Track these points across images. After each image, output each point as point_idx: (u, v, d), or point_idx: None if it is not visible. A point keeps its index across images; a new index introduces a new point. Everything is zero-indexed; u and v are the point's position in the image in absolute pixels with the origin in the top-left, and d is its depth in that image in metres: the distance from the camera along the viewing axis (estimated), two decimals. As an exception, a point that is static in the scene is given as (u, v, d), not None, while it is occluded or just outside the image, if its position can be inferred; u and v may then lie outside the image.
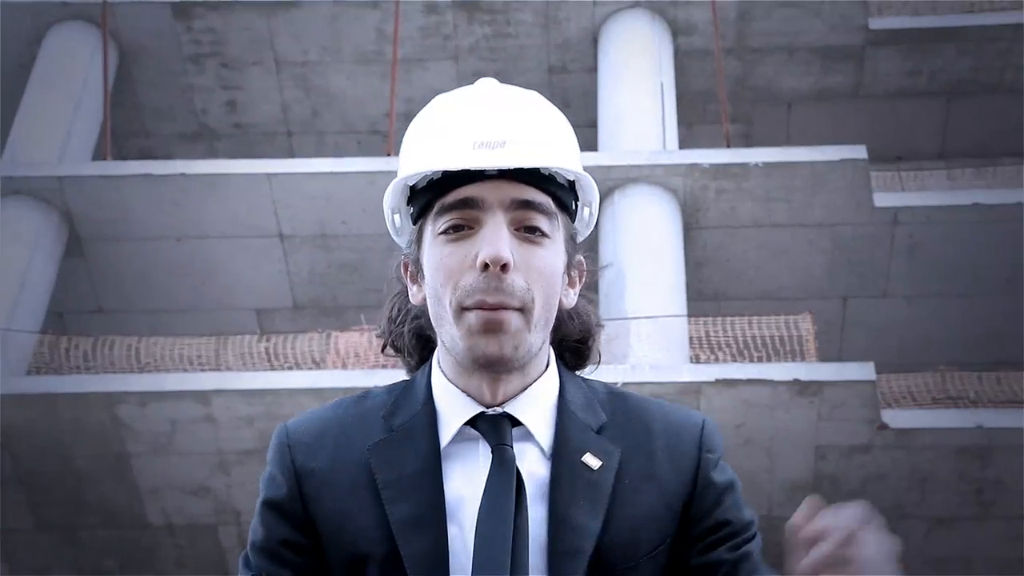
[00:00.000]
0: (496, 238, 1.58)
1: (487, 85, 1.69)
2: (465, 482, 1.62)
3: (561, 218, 1.66)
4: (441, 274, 1.61)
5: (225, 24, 14.62)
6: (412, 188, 1.67)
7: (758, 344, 12.02)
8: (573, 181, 1.68)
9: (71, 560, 12.11)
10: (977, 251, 12.83)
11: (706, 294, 13.21)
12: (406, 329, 1.76)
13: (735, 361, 11.85)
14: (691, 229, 12.66)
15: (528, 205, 1.61)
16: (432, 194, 1.64)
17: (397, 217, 1.71)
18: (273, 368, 12.05)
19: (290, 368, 11.97)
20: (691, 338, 11.91)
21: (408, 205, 1.69)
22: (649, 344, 11.22)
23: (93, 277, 13.44)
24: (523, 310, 1.59)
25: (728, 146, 13.42)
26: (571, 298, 1.71)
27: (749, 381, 10.62)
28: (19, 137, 13.62)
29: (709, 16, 14.17)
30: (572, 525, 1.59)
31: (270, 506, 1.68)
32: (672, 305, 11.64)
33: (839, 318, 13.47)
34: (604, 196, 12.23)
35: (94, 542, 11.99)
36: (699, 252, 12.89)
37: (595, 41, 14.26)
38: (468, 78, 14.39)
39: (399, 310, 1.77)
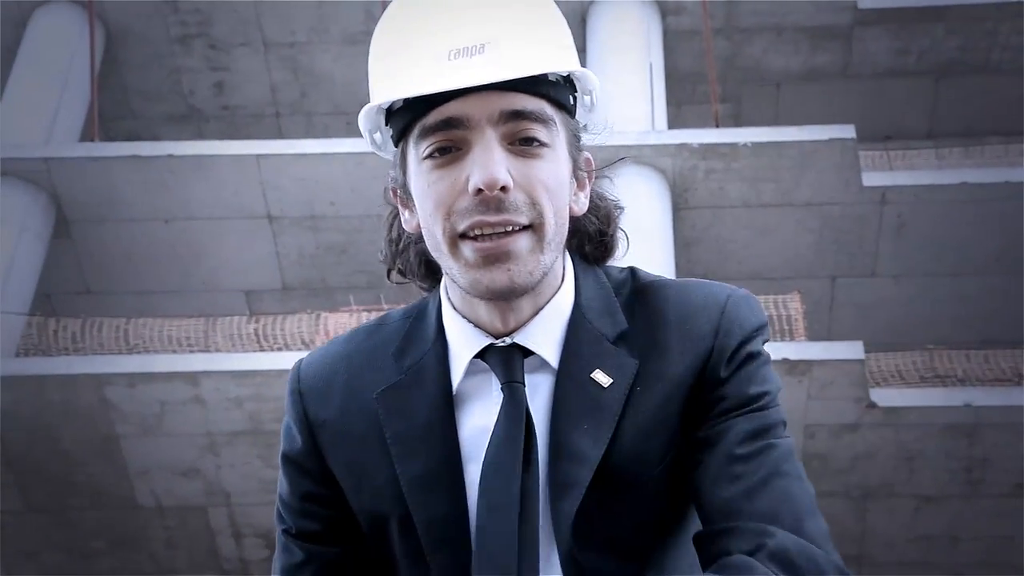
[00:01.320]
0: (488, 159, 1.40)
1: None
2: (481, 423, 1.48)
3: (560, 119, 1.48)
4: (430, 202, 1.45)
5: (212, 5, 14.56)
6: (388, 108, 1.49)
7: (747, 324, 12.02)
8: (568, 74, 1.49)
9: (61, 542, 12.11)
10: (965, 230, 12.85)
11: (695, 274, 13.22)
12: (411, 254, 1.59)
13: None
14: (680, 209, 12.67)
15: (520, 115, 1.43)
16: (410, 115, 1.45)
17: (378, 136, 1.52)
18: (262, 349, 12.04)
19: (279, 349, 11.97)
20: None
21: (387, 125, 1.50)
22: (638, 324, 11.22)
23: (81, 259, 13.41)
24: (532, 227, 1.43)
25: (717, 126, 13.42)
26: (582, 203, 1.54)
27: (738, 361, 10.63)
28: (6, 119, 13.56)
29: (698, -4, 14.16)
30: (570, 454, 1.44)
31: (289, 459, 1.57)
32: (661, 285, 11.64)
33: (828, 297, 13.50)
34: (593, 176, 12.22)
35: (84, 523, 11.99)
36: (688, 232, 12.90)
37: (583, 21, 14.23)
38: (456, 58, 14.36)
39: (399, 233, 1.60)
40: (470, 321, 1.51)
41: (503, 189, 1.40)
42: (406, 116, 1.45)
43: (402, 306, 1.64)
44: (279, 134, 15.41)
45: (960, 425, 11.20)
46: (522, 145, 1.43)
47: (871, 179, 12.72)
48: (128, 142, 14.05)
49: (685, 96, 15.02)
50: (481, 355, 1.50)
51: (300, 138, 14.47)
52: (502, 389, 1.48)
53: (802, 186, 12.63)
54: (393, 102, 1.47)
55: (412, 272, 1.61)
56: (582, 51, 14.21)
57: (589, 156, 1.56)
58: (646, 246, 11.90)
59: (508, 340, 1.49)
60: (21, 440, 11.41)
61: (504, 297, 1.46)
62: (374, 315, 12.11)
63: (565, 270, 1.54)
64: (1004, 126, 14.81)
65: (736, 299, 1.52)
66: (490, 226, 1.41)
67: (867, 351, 11.30)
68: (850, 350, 10.95)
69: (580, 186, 1.54)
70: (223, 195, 12.94)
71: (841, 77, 14.93)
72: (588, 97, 1.52)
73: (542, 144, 1.44)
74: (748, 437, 1.44)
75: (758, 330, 1.52)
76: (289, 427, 1.57)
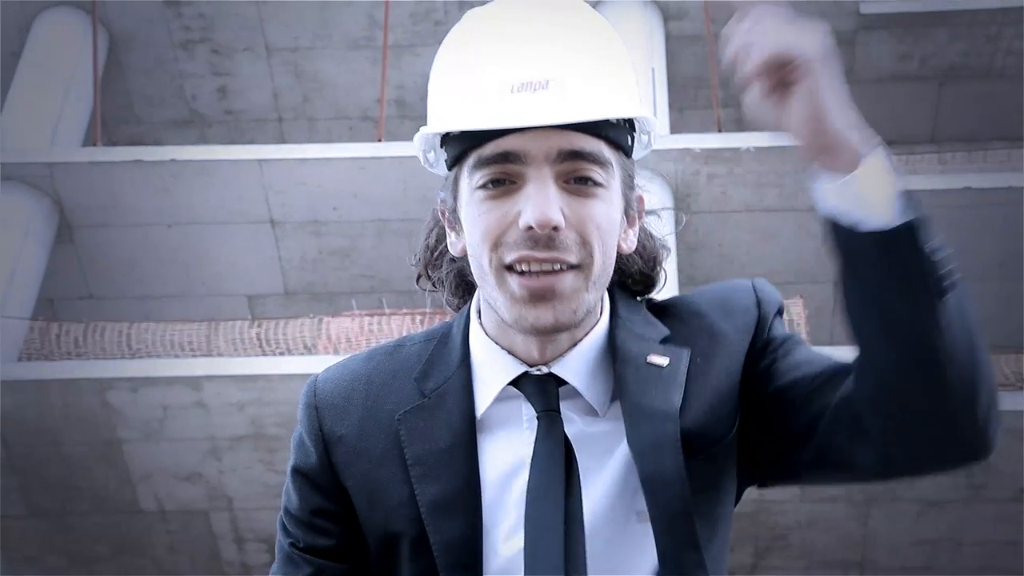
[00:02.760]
0: (542, 197, 1.39)
1: (527, 0, 1.46)
2: (505, 452, 1.48)
3: (616, 159, 1.47)
4: (479, 231, 1.44)
5: (215, 10, 14.58)
6: (444, 134, 1.47)
7: (750, 329, 12.03)
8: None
9: (63, 546, 12.11)
10: (968, 235, 12.84)
11: (698, 279, 13.22)
12: (445, 268, 1.58)
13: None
14: (682, 214, 12.67)
15: (578, 155, 1.42)
16: (468, 143, 1.44)
17: (431, 155, 1.51)
18: (264, 354, 12.04)
19: (282, 354, 11.97)
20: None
21: (442, 147, 1.49)
22: (641, 329, 11.23)
23: (84, 263, 13.42)
24: (580, 267, 1.43)
25: (719, 131, 13.42)
26: (631, 241, 1.53)
27: (740, 365, 10.63)
28: (9, 124, 13.57)
29: (700, 1, 14.16)
30: (650, 411, 1.45)
31: (300, 473, 1.55)
32: (664, 290, 11.64)
33: (830, 302, 13.49)
34: (595, 181, 12.25)
35: (86, 528, 11.99)
36: (691, 237, 12.90)
37: (586, 26, 14.25)
38: (459, 63, 14.37)
39: (437, 241, 1.58)
40: (503, 348, 1.51)
41: (555, 229, 1.40)
42: (463, 143, 1.45)
43: (420, 329, 1.67)
44: (282, 139, 15.43)
45: (963, 430, 11.17)
46: (577, 184, 1.42)
47: (874, 184, 12.71)
48: (131, 147, 14.06)
49: (687, 101, 15.03)
50: (514, 383, 1.50)
51: (303, 143, 14.49)
52: (538, 417, 1.48)
53: (805, 191, 12.60)
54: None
55: (443, 285, 1.60)
56: (585, 56, 14.20)
57: (641, 195, 1.56)
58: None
59: (544, 369, 1.49)
60: (23, 444, 11.42)
61: (547, 333, 1.46)
62: (376, 319, 12.14)
63: (603, 304, 1.54)
64: (1007, 131, 14.80)
65: (760, 280, 1.59)
66: (537, 262, 1.41)
67: (870, 356, 11.28)
68: (853, 355, 10.92)
69: (630, 223, 1.53)
70: (226, 200, 12.95)
71: (844, 82, 14.91)
72: (646, 137, 1.52)
73: (597, 184, 1.43)
74: (798, 340, 1.56)
75: (782, 308, 1.60)
76: (302, 441, 1.56)
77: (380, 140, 13.28)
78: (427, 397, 1.51)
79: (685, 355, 1.50)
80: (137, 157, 12.87)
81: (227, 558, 12.20)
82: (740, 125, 15.01)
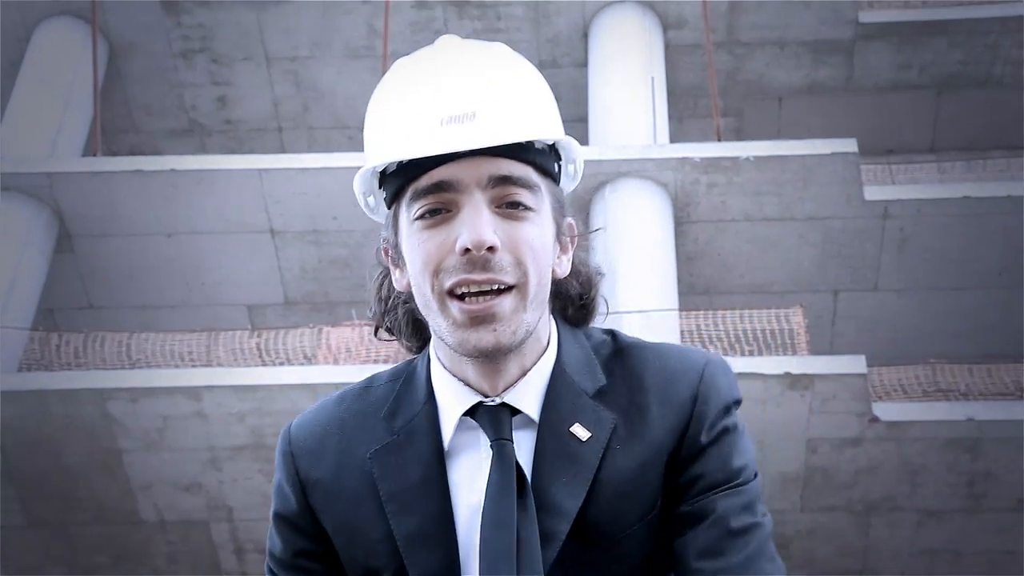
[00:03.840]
0: (476, 221, 1.47)
1: (449, 45, 1.56)
2: (471, 479, 1.55)
3: (545, 185, 1.55)
4: (419, 260, 1.51)
5: (214, 19, 14.59)
6: (382, 172, 1.57)
7: (749, 338, 12.04)
8: (554, 143, 1.57)
9: (63, 556, 12.09)
10: (968, 244, 12.85)
11: (697, 288, 13.22)
12: (400, 313, 1.65)
13: (726, 355, 11.86)
14: (682, 223, 12.67)
15: (508, 180, 1.50)
16: (403, 178, 1.53)
17: (371, 199, 1.61)
18: (264, 364, 12.03)
19: (281, 364, 11.96)
20: (682, 332, 11.92)
21: (380, 188, 1.58)
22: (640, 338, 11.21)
23: (83, 273, 13.42)
24: (517, 287, 1.50)
25: (719, 140, 13.43)
26: (564, 266, 1.60)
27: (740, 375, 10.62)
28: (8, 133, 13.58)
29: (699, 10, 14.17)
30: (548, 505, 1.51)
31: (281, 518, 1.65)
32: (663, 299, 11.65)
33: (830, 311, 13.49)
34: (594, 190, 12.23)
35: (86, 539, 11.98)
36: (690, 246, 12.90)
37: (585, 36, 14.26)
38: (459, 73, 14.36)
39: (388, 292, 1.67)
40: (460, 380, 1.57)
41: (490, 249, 1.47)
42: (399, 179, 1.53)
43: (387, 367, 1.69)
44: (281, 148, 15.43)
45: (963, 439, 11.18)
46: (509, 208, 1.50)
47: (873, 193, 12.73)
48: (131, 157, 14.07)
49: (687, 110, 15.04)
50: (471, 412, 1.56)
51: (302, 152, 14.50)
52: (492, 446, 1.53)
53: (804, 200, 12.63)
54: (387, 165, 1.54)
55: (400, 331, 1.66)
56: (583, 65, 14.23)
57: (572, 222, 1.61)
58: (648, 260, 11.91)
59: (497, 399, 1.55)
60: (23, 455, 11.41)
61: (490, 356, 1.52)
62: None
63: (551, 335, 1.60)
64: (1006, 140, 14.82)
65: (713, 367, 1.59)
66: (476, 284, 1.48)
67: (869, 365, 11.29)
68: (852, 364, 10.94)
69: (563, 250, 1.60)
70: (225, 209, 12.95)
71: (843, 91, 14.95)
72: (572, 166, 1.60)
73: (528, 208, 1.51)
74: (738, 513, 1.53)
75: (736, 402, 1.60)
76: (281, 486, 1.64)
77: (380, 150, 13.27)
78: (396, 435, 1.57)
79: (607, 428, 1.54)
80: (137, 167, 12.87)
81: (227, 568, 12.18)
82: (739, 134, 15.03)
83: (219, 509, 11.77)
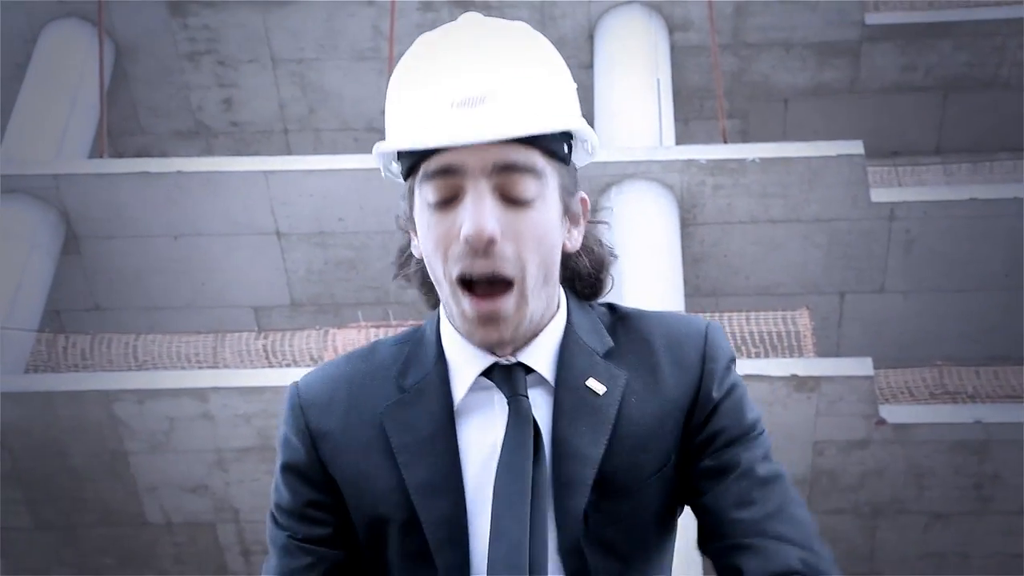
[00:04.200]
0: (478, 211, 1.49)
1: (469, 23, 1.56)
2: (482, 435, 1.58)
3: (553, 167, 1.55)
4: (430, 244, 1.55)
5: (221, 21, 14.61)
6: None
7: (755, 340, 12.03)
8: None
9: (69, 558, 12.11)
10: (974, 246, 12.83)
11: (703, 290, 13.22)
12: (413, 267, 1.69)
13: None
14: (688, 225, 12.67)
15: (512, 168, 1.51)
16: (416, 157, 1.55)
17: (393, 166, 1.62)
18: (271, 365, 12.04)
19: (288, 365, 11.97)
20: (688, 334, 11.89)
21: (398, 160, 1.60)
22: (647, 340, 11.20)
23: (90, 275, 13.43)
24: (515, 282, 1.53)
25: (725, 142, 13.42)
26: (575, 240, 1.63)
27: (747, 377, 10.60)
28: (15, 135, 13.60)
29: (705, 12, 14.17)
30: (572, 453, 1.55)
31: (290, 469, 1.66)
32: (669, 301, 11.64)
33: (836, 313, 13.48)
34: (600, 192, 12.23)
35: (92, 540, 11.99)
36: (696, 248, 12.90)
37: (591, 37, 14.25)
38: (464, 75, 14.38)
39: (408, 241, 1.69)
40: (471, 341, 1.61)
41: (491, 240, 1.50)
42: (412, 157, 1.55)
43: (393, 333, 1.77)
44: (287, 150, 15.45)
45: (970, 442, 11.16)
46: (513, 195, 1.52)
47: (879, 195, 12.72)
48: (137, 158, 14.09)
49: (693, 112, 15.04)
50: (485, 373, 1.60)
51: (308, 154, 14.51)
52: (508, 403, 1.57)
53: (810, 202, 12.63)
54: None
55: (415, 284, 1.71)
56: (589, 67, 14.22)
57: (584, 197, 1.63)
58: (654, 262, 11.90)
59: (512, 359, 1.59)
60: (30, 456, 11.42)
61: (496, 347, 1.58)
62: (383, 332, 12.13)
63: (560, 301, 1.64)
64: (1013, 142, 14.80)
65: (713, 329, 1.66)
66: (478, 274, 1.52)
67: (876, 367, 11.28)
68: (859, 366, 10.93)
69: (574, 223, 1.62)
70: (232, 211, 12.96)
71: (849, 93, 14.94)
72: (587, 143, 1.60)
73: (531, 196, 1.52)
74: (761, 461, 1.60)
75: (733, 359, 1.67)
76: (288, 439, 1.66)
77: (386, 151, 13.28)
78: (407, 392, 1.61)
79: (620, 383, 1.59)
80: (143, 169, 12.89)
81: (233, 569, 12.19)
82: (745, 136, 15.02)
83: (225, 511, 11.78)
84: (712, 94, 14.53)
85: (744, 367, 10.88)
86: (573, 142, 1.58)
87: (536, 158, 1.52)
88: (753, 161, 12.42)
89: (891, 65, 14.69)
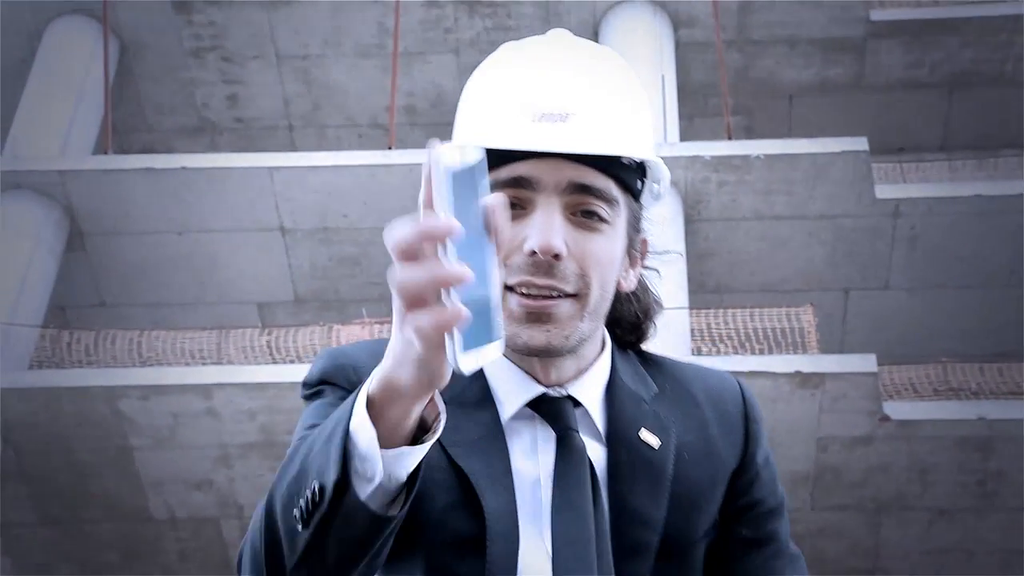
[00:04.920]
0: (548, 225, 1.44)
1: (558, 39, 1.54)
2: (523, 465, 1.49)
3: (624, 199, 1.51)
4: None
5: (226, 18, 14.62)
6: None
7: (760, 336, 12.03)
8: (642, 161, 1.53)
9: (74, 553, 12.13)
10: (979, 243, 12.83)
11: (708, 286, 13.22)
12: None
13: (737, 353, 11.85)
14: (692, 221, 12.67)
15: (587, 190, 1.47)
16: (488, 164, 1.48)
17: None
18: (275, 362, 12.06)
19: (292, 362, 11.98)
20: (693, 330, 11.92)
21: None
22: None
23: (95, 271, 13.45)
24: (577, 296, 1.47)
25: (729, 138, 13.42)
26: (631, 281, 1.57)
27: (751, 373, 10.63)
28: (20, 131, 13.62)
29: (710, 8, 14.17)
30: (636, 517, 1.49)
31: (331, 387, 1.51)
32: (674, 297, 11.65)
33: (840, 310, 13.48)
34: (605, 189, 12.23)
35: (97, 536, 12.01)
36: (701, 244, 12.90)
37: (596, 34, 14.25)
38: (469, 71, 14.33)
39: None
40: (516, 365, 1.53)
41: (556, 257, 1.44)
42: None
43: None
44: (292, 146, 15.46)
45: (974, 438, 11.16)
46: (583, 217, 1.47)
47: (884, 191, 12.71)
48: (142, 155, 14.11)
49: (697, 108, 15.03)
50: (530, 403, 1.52)
51: (313, 151, 14.52)
52: (559, 437, 1.49)
53: (815, 198, 12.62)
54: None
55: None
56: (594, 64, 14.18)
57: (647, 239, 1.60)
58: (658, 259, 11.89)
59: (562, 391, 1.52)
60: (35, 452, 11.44)
61: (538, 355, 1.49)
62: (387, 328, 12.13)
63: (605, 341, 1.58)
64: (1018, 138, 14.78)
65: (745, 384, 1.63)
66: (536, 287, 1.45)
67: (880, 364, 11.28)
68: (863, 363, 10.92)
69: (632, 264, 1.58)
70: (236, 207, 12.98)
71: (854, 89, 14.93)
72: (657, 186, 1.57)
73: (602, 220, 1.48)
74: (788, 538, 1.61)
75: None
76: (327, 379, 1.52)
77: (390, 147, 13.30)
78: (446, 403, 1.45)
79: (673, 435, 1.52)
80: (148, 165, 12.90)
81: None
82: (750, 132, 15.01)
83: (230, 506, 11.79)
84: (717, 90, 14.52)
85: (748, 363, 10.89)
86: (646, 179, 1.55)
87: (611, 185, 1.49)
88: (758, 158, 12.42)
89: (896, 62, 14.68)
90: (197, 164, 12.91)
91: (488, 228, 1.20)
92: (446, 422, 1.41)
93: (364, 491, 1.25)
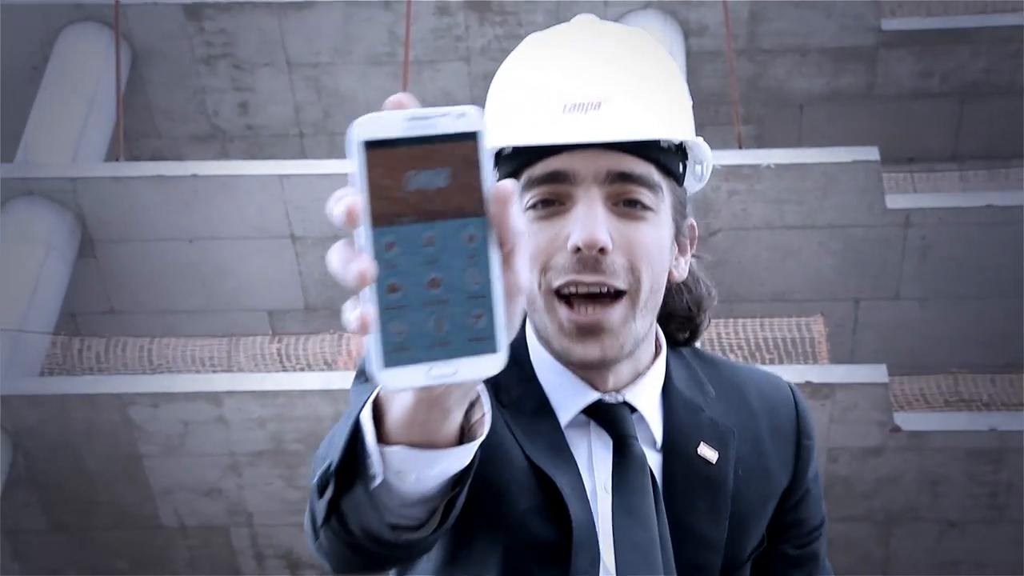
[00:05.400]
0: (590, 218, 1.38)
1: (584, 25, 1.48)
2: (585, 472, 1.44)
3: (667, 184, 1.45)
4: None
5: (237, 25, 14.65)
6: (498, 152, 1.45)
7: (770, 346, 12.02)
8: (681, 142, 1.47)
9: (84, 561, 12.14)
10: (989, 253, 12.80)
11: (719, 295, 13.19)
12: None
13: (746, 362, 11.83)
14: (702, 231, 12.67)
15: (627, 178, 1.40)
16: (519, 162, 1.43)
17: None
18: (285, 369, 12.06)
19: (302, 369, 11.99)
20: (703, 340, 11.90)
21: (496, 168, 1.46)
22: (661, 346, 11.22)
23: (105, 278, 13.48)
24: (627, 293, 1.40)
25: (740, 147, 13.42)
26: (682, 269, 1.50)
27: (761, 383, 10.60)
28: (32, 138, 13.66)
29: (721, 17, 14.17)
30: (697, 536, 1.44)
31: None
32: (684, 307, 11.64)
33: (851, 320, 13.46)
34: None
35: (106, 543, 12.03)
36: (710, 253, 12.87)
37: (607, 42, 14.25)
38: (480, 79, 14.42)
39: None
40: (569, 370, 1.47)
41: (602, 251, 1.38)
42: (514, 163, 1.43)
43: None
44: (303, 154, 15.48)
45: (985, 450, 11.14)
46: (626, 207, 1.41)
47: (895, 201, 12.70)
48: (153, 162, 14.13)
49: (708, 117, 15.03)
50: (586, 409, 1.47)
51: (323, 158, 14.53)
52: (617, 444, 1.44)
53: (825, 208, 12.61)
54: (503, 146, 1.44)
55: None
56: (605, 72, 14.20)
57: (693, 223, 1.53)
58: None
59: (619, 397, 1.46)
60: (45, 459, 11.46)
61: (594, 368, 1.43)
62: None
63: (660, 341, 1.52)
64: (1029, 148, 14.76)
65: (799, 394, 1.58)
66: (585, 285, 1.39)
67: (891, 374, 11.26)
68: (874, 373, 10.91)
69: (682, 251, 1.51)
70: (247, 215, 13.00)
71: (865, 99, 14.92)
72: (700, 167, 1.51)
73: (646, 208, 1.42)
74: (826, 555, 1.60)
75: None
76: None
77: (401, 156, 13.30)
78: (504, 407, 1.45)
79: (731, 447, 1.47)
80: (159, 172, 12.93)
81: (247, 573, 12.21)
82: (760, 142, 15.01)
83: (239, 514, 11.80)
84: (727, 99, 14.52)
85: (758, 373, 10.86)
86: (687, 162, 1.49)
87: (652, 171, 1.42)
88: (768, 167, 12.42)
89: (907, 71, 14.67)
90: (208, 171, 12.93)
91: (491, 220, 0.99)
92: (518, 425, 1.41)
93: (371, 484, 1.15)
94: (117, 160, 13.73)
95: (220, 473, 11.51)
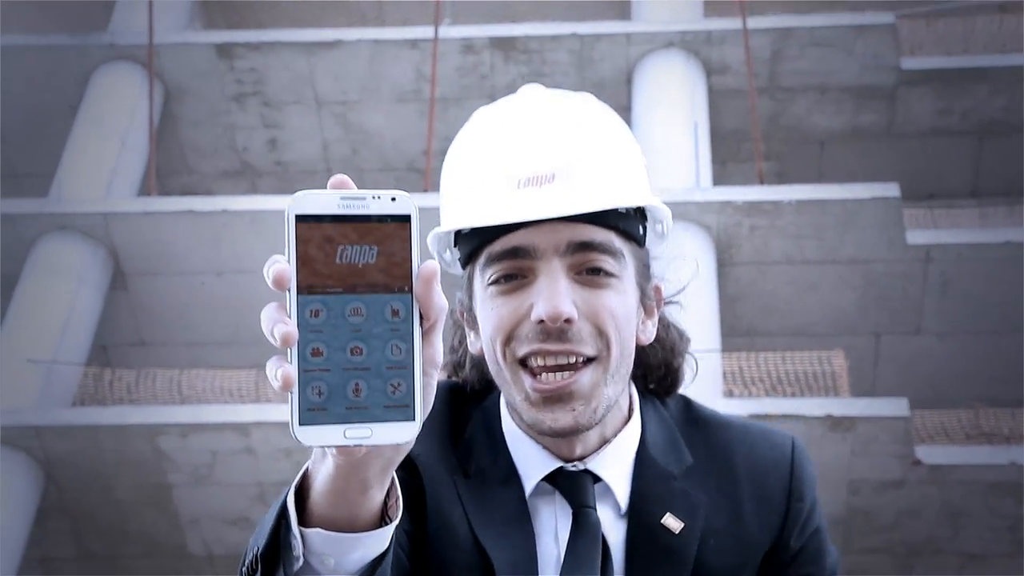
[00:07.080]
0: (553, 291, 1.36)
1: (530, 96, 1.46)
2: (549, 542, 1.43)
3: (628, 249, 1.43)
4: (491, 326, 1.40)
5: (267, 64, 14.87)
6: (457, 231, 1.45)
7: (791, 379, 12.08)
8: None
9: (112, 589, 12.26)
10: (1009, 288, 12.85)
11: (739, 329, 13.29)
12: (467, 367, 1.53)
13: (768, 396, 11.91)
14: (724, 265, 12.76)
15: (588, 247, 1.39)
16: (478, 241, 1.42)
17: (447, 254, 1.48)
18: (312, 401, 12.16)
19: (328, 401, 12.09)
20: (724, 373, 11.98)
21: (455, 247, 1.46)
22: (682, 379, 11.28)
23: (136, 311, 13.65)
24: (598, 359, 1.38)
25: (761, 183, 13.51)
26: (649, 332, 1.48)
27: (782, 416, 10.70)
28: (66, 174, 13.87)
29: (743, 56, 14.30)
30: None
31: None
32: (706, 340, 11.73)
33: (872, 354, 13.51)
34: (638, 233, 12.34)
35: (135, 571, 12.13)
36: (732, 288, 12.98)
37: (629, 80, 14.42)
38: (504, 117, 14.58)
39: (460, 341, 1.54)
40: (535, 441, 1.46)
41: (567, 321, 1.36)
42: (473, 241, 1.43)
43: None
44: (330, 190, 15.63)
45: (1006, 483, 11.16)
46: (589, 275, 1.39)
47: (915, 237, 12.75)
48: (183, 197, 14.33)
49: (730, 154, 15.15)
50: (548, 478, 1.46)
51: (351, 194, 14.67)
52: (574, 514, 1.43)
53: (846, 243, 12.69)
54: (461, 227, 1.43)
55: (470, 385, 1.55)
56: (627, 110, 14.38)
57: (659, 285, 1.51)
58: (690, 301, 11.98)
59: (580, 465, 1.45)
60: (75, 488, 11.59)
61: (567, 435, 1.42)
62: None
63: (632, 403, 1.50)
64: (1049, 185, 14.81)
65: (800, 453, 1.52)
66: (552, 355, 1.38)
67: (912, 408, 11.30)
68: (895, 407, 10.95)
69: (648, 315, 1.48)
70: (275, 249, 13.09)
71: (885, 136, 15.01)
72: (660, 226, 1.49)
73: (609, 275, 1.40)
74: None
75: (814, 484, 1.54)
76: None
77: (427, 190, 13.48)
78: (471, 477, 1.46)
79: (699, 517, 1.44)
80: (189, 207, 13.11)
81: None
82: (781, 178, 15.11)
83: (266, 544, 11.90)
84: (749, 136, 14.64)
85: (780, 406, 10.95)
86: (647, 223, 1.47)
87: (612, 237, 1.40)
88: (789, 203, 12.51)
89: (927, 109, 14.76)
90: (237, 207, 13.09)
91: (416, 296, 1.03)
92: (474, 498, 1.42)
93: (294, 567, 1.13)
94: (149, 195, 13.92)
95: (248, 503, 11.63)
